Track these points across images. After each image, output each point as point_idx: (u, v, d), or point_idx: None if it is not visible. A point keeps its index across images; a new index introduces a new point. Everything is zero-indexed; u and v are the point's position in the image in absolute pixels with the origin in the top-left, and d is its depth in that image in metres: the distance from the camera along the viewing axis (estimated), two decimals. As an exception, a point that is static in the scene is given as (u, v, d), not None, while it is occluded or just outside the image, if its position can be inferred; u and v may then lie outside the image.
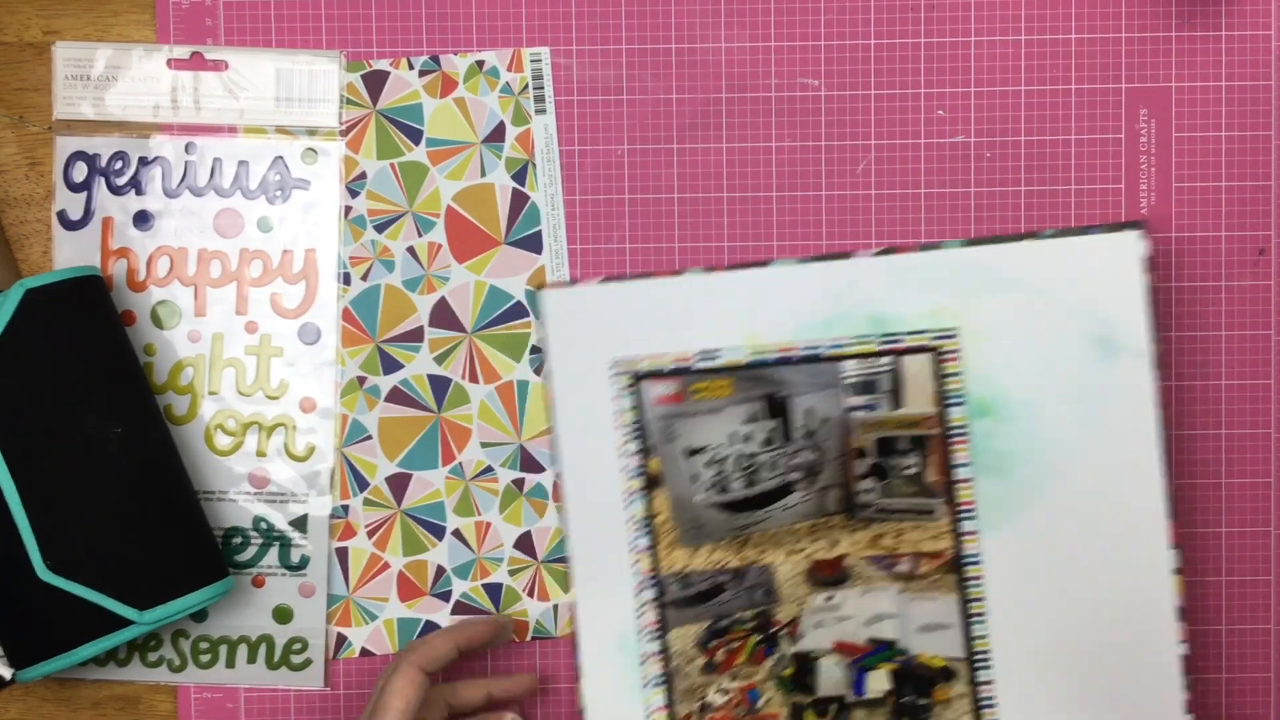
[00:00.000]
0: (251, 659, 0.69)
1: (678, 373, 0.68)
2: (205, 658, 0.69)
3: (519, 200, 0.68)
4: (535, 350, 0.68)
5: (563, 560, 0.68)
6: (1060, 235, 0.66)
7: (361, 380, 0.68)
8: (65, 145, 0.68)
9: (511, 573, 0.68)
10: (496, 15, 0.69)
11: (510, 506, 0.68)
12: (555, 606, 0.68)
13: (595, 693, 0.68)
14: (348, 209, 0.68)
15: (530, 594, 0.68)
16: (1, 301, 0.63)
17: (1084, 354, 0.66)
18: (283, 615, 0.69)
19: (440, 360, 0.68)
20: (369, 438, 0.68)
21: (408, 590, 0.69)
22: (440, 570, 0.68)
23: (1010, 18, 0.69)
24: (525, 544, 0.68)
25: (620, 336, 0.68)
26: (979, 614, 0.67)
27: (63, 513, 0.63)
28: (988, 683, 0.67)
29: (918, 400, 0.67)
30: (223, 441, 0.69)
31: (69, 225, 0.68)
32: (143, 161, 0.68)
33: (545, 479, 0.68)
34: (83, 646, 0.63)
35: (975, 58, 0.69)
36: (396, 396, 0.68)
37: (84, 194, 0.68)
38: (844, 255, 0.67)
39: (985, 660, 0.67)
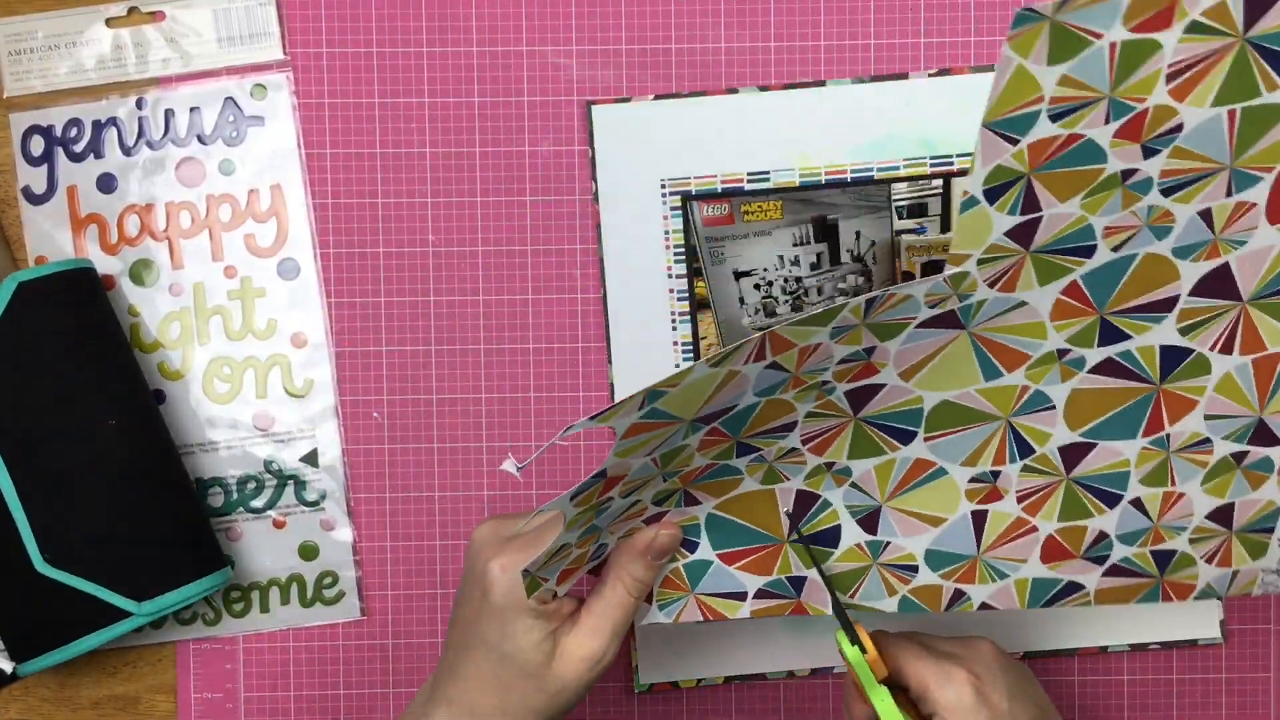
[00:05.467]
0: (285, 600, 0.69)
1: (728, 194, 0.68)
2: (238, 606, 0.69)
3: None
4: None
5: (1263, 530, 0.61)
6: None
7: (1063, 353, 0.56)
8: (19, 121, 0.68)
9: (1193, 540, 0.60)
10: (497, 15, 0.69)
11: (1218, 479, 0.59)
12: (1234, 573, 0.62)
13: None
14: (1132, 172, 0.51)
15: (1210, 560, 0.61)
16: (-7, 296, 0.63)
17: None
18: (308, 552, 0.69)
19: (1187, 331, 0.56)
20: (1050, 408, 0.58)
21: (1054, 553, 0.61)
22: (1101, 535, 0.60)
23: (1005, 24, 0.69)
24: (1222, 515, 0.60)
25: (670, 155, 0.68)
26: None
27: (60, 506, 0.63)
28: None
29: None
30: (221, 389, 0.69)
31: (34, 200, 0.69)
32: (97, 125, 0.68)
33: (1276, 454, 0.59)
34: (82, 639, 0.63)
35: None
36: (1107, 368, 0.57)
37: (44, 166, 0.68)
38: (899, 76, 0.67)
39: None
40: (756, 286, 0.69)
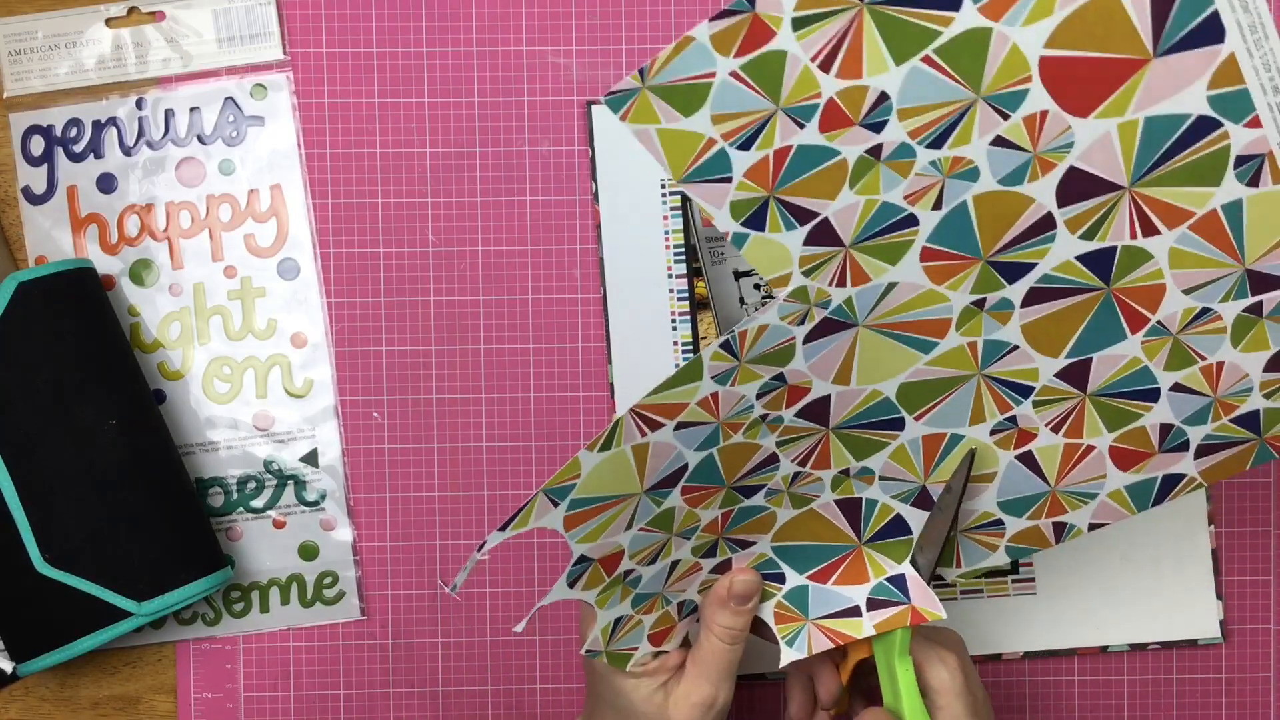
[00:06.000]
0: (285, 600, 0.69)
1: None
2: (238, 606, 0.69)
3: None
4: (1240, 161, 0.50)
5: None
6: None
7: (980, 303, 0.54)
8: (19, 121, 0.68)
9: (1268, 395, 0.56)
10: (497, 15, 0.69)
11: (1248, 337, 0.55)
12: None
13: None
14: (878, 149, 0.49)
15: None
16: (-8, 295, 0.63)
17: None
18: (308, 552, 0.69)
19: (1091, 235, 0.52)
20: (1014, 349, 0.56)
21: (1129, 459, 0.58)
22: (1166, 427, 0.57)
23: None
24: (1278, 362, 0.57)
25: None
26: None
27: (60, 506, 0.63)
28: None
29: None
30: (221, 389, 0.69)
31: (34, 200, 0.69)
32: (97, 125, 0.68)
33: None
34: (82, 639, 0.63)
35: None
36: (1039, 296, 0.54)
37: (44, 166, 0.68)
38: None
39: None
40: (756, 286, 0.69)
